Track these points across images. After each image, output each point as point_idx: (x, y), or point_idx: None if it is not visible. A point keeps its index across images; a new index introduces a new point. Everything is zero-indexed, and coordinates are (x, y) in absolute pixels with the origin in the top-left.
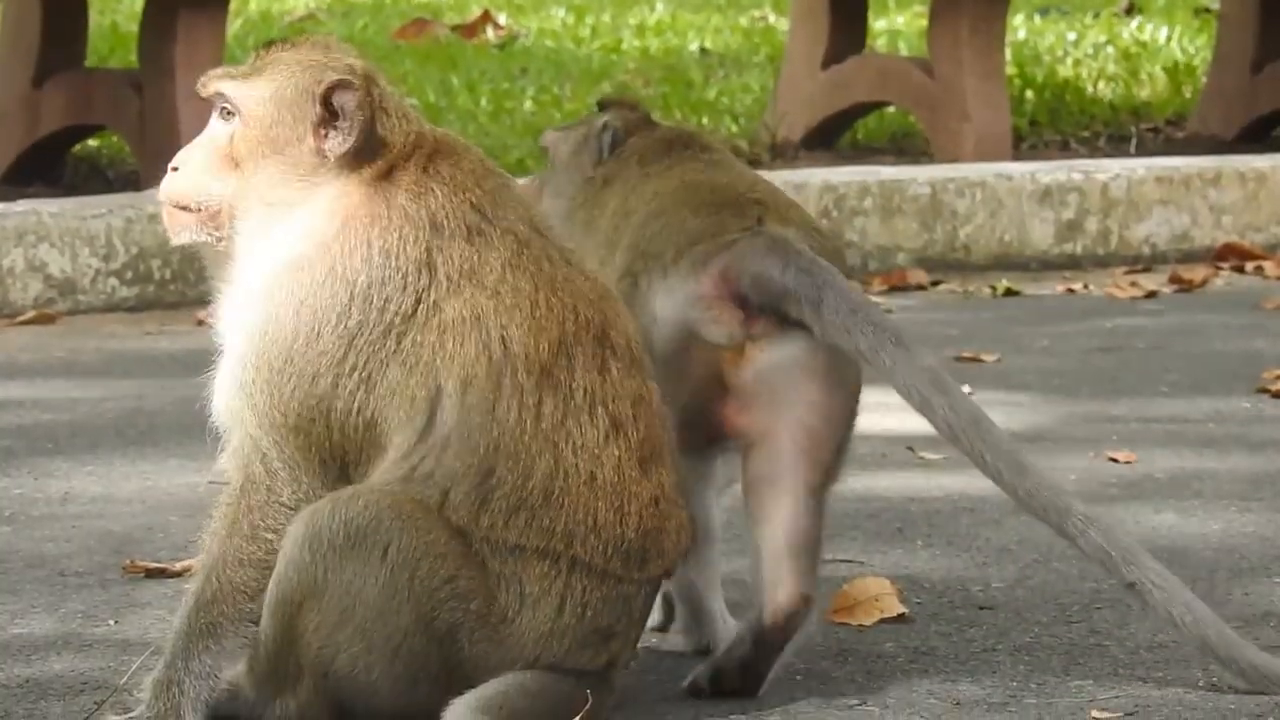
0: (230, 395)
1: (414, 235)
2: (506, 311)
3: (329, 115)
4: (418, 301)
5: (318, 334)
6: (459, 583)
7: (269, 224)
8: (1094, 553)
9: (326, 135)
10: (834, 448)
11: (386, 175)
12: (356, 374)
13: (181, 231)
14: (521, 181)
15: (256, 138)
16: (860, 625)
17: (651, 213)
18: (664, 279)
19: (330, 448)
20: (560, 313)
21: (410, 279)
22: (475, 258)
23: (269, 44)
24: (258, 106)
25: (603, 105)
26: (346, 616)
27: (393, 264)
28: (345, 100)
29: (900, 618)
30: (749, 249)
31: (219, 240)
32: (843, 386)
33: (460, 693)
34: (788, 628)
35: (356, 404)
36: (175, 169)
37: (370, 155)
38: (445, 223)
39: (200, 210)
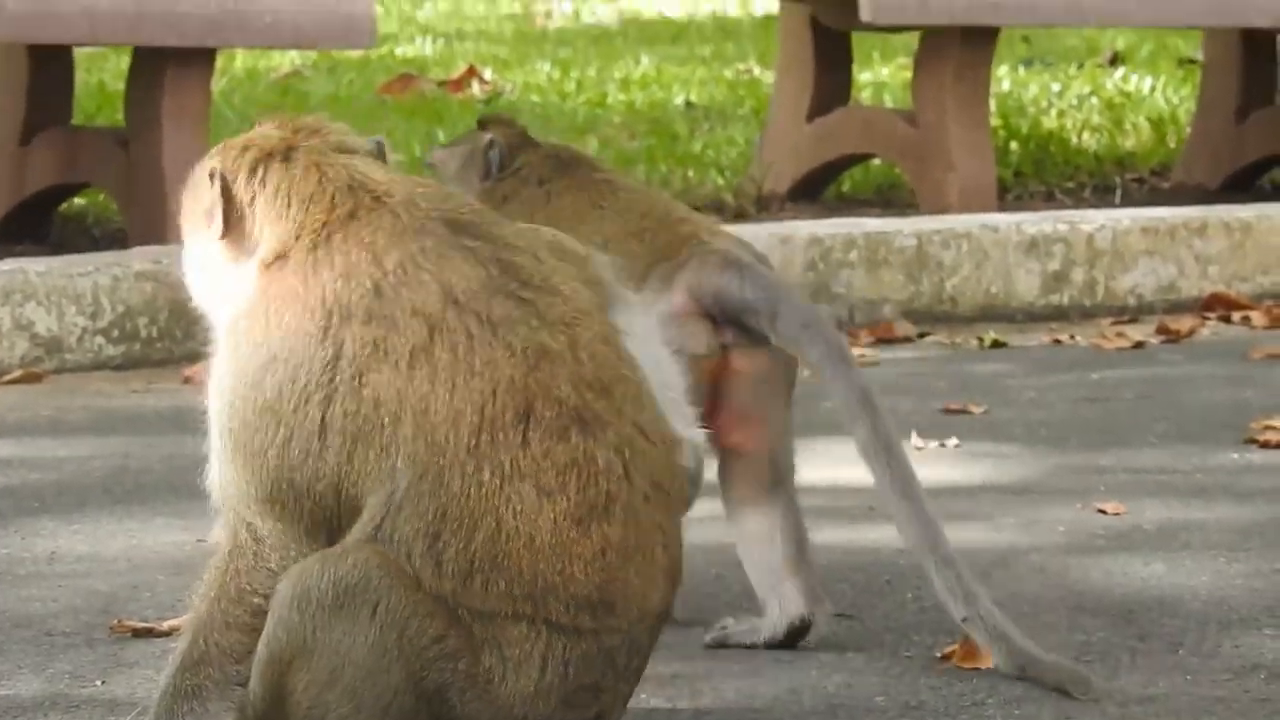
0: (211, 467)
1: (309, 313)
2: (423, 399)
3: (210, 200)
4: (331, 372)
5: (240, 411)
6: (448, 642)
7: (201, 301)
8: (940, 591)
9: (212, 220)
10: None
11: (281, 259)
12: (295, 445)
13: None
14: None
15: (181, 219)
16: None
17: (597, 246)
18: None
19: (310, 515)
20: (479, 400)
21: (314, 351)
22: (380, 338)
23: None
24: (185, 188)
25: (483, 123)
26: (336, 676)
27: (292, 337)
28: (215, 185)
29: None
30: (707, 265)
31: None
32: (792, 388)
33: None
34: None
35: (310, 473)
36: None
37: (260, 237)
38: (335, 306)
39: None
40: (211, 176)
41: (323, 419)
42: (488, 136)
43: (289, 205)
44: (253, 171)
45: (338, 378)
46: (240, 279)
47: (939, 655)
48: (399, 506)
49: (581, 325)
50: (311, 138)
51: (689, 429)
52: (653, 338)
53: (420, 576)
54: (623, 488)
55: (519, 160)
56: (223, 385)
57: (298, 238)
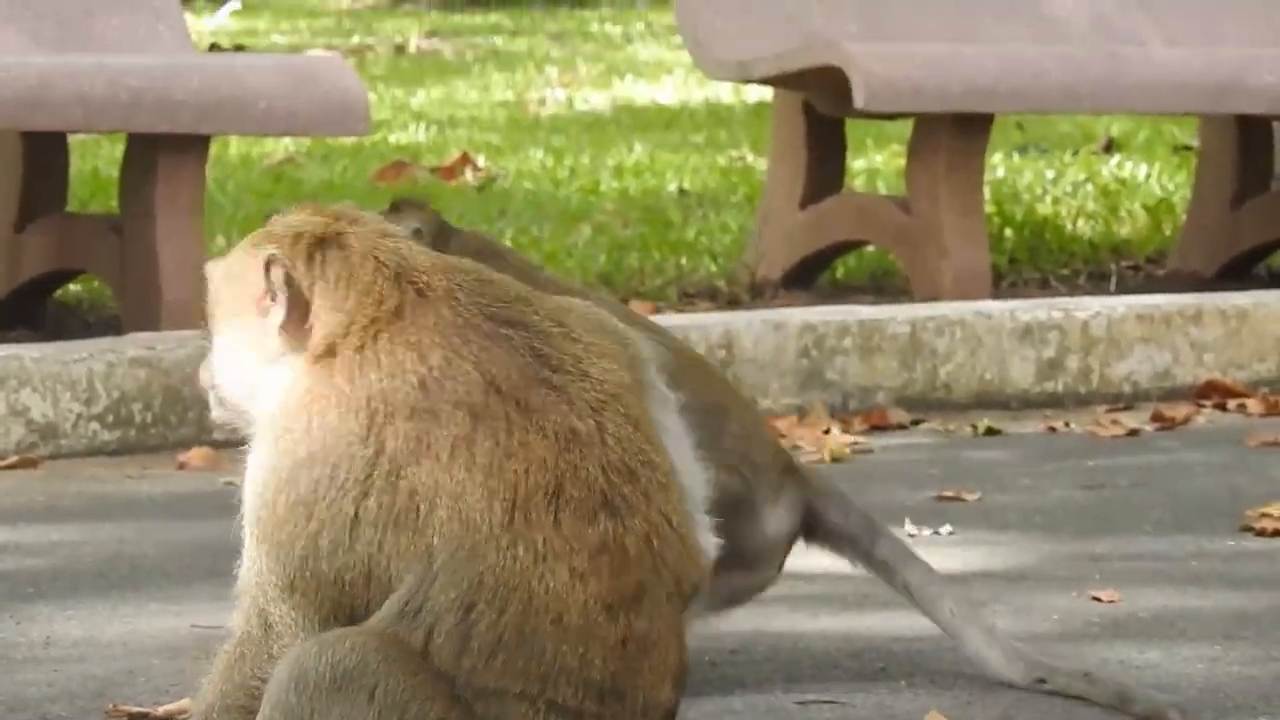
0: (242, 559)
1: (353, 413)
2: (459, 484)
3: (271, 288)
4: (370, 468)
5: (272, 504)
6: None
7: (236, 397)
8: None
9: (269, 309)
10: None
11: (328, 353)
12: (325, 537)
13: (212, 407)
14: None
15: (215, 315)
16: None
17: None
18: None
19: (332, 603)
20: (513, 481)
21: (355, 449)
22: (423, 432)
23: (268, 215)
24: (217, 281)
25: (396, 206)
26: None
27: (332, 436)
28: (275, 274)
29: None
30: (826, 500)
31: (229, 415)
32: None
33: None
34: None
35: (339, 563)
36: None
37: (311, 330)
38: (382, 406)
39: (207, 385)
40: (271, 264)
41: (355, 513)
42: (412, 225)
43: (347, 296)
44: (310, 259)
45: (375, 473)
46: (283, 371)
47: None
48: (434, 578)
49: (609, 409)
50: (355, 224)
51: (706, 538)
52: (684, 441)
53: (439, 654)
54: (651, 581)
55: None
56: (256, 478)
57: (346, 334)
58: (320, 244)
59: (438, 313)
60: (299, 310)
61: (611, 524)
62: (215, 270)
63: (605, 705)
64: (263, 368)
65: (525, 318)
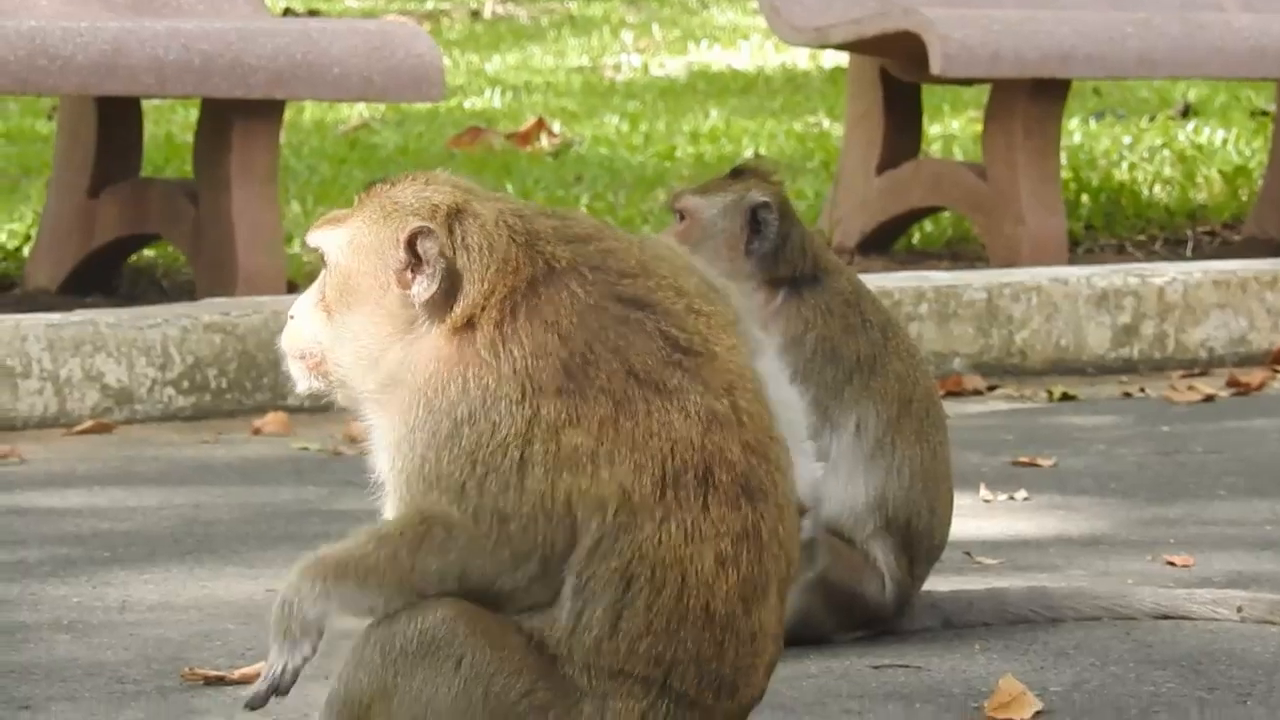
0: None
1: (504, 382)
2: (607, 455)
3: (414, 260)
4: (529, 424)
5: (438, 460)
6: (537, 695)
7: (362, 369)
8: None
9: (412, 281)
10: None
11: (468, 326)
12: (493, 479)
13: (300, 379)
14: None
15: (340, 285)
16: (1020, 719)
17: None
18: None
19: (514, 542)
20: (660, 458)
21: (514, 409)
22: (570, 410)
23: (370, 185)
24: (340, 253)
25: (739, 172)
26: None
27: (490, 397)
28: (427, 246)
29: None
30: None
31: (329, 387)
32: None
33: None
34: None
35: (511, 500)
36: (291, 317)
37: (452, 300)
38: (529, 382)
39: (307, 358)
40: (421, 236)
41: (522, 456)
42: (760, 197)
43: (487, 267)
44: (450, 230)
45: (535, 429)
46: (421, 343)
47: (974, 706)
48: (597, 545)
49: (739, 388)
50: (472, 193)
51: (810, 466)
52: (781, 379)
53: (581, 632)
54: (775, 569)
55: (790, 240)
56: (408, 440)
57: (484, 307)
58: (457, 215)
59: (569, 289)
60: (448, 283)
61: (750, 509)
62: (335, 240)
63: (719, 698)
64: (397, 340)
65: (651, 295)
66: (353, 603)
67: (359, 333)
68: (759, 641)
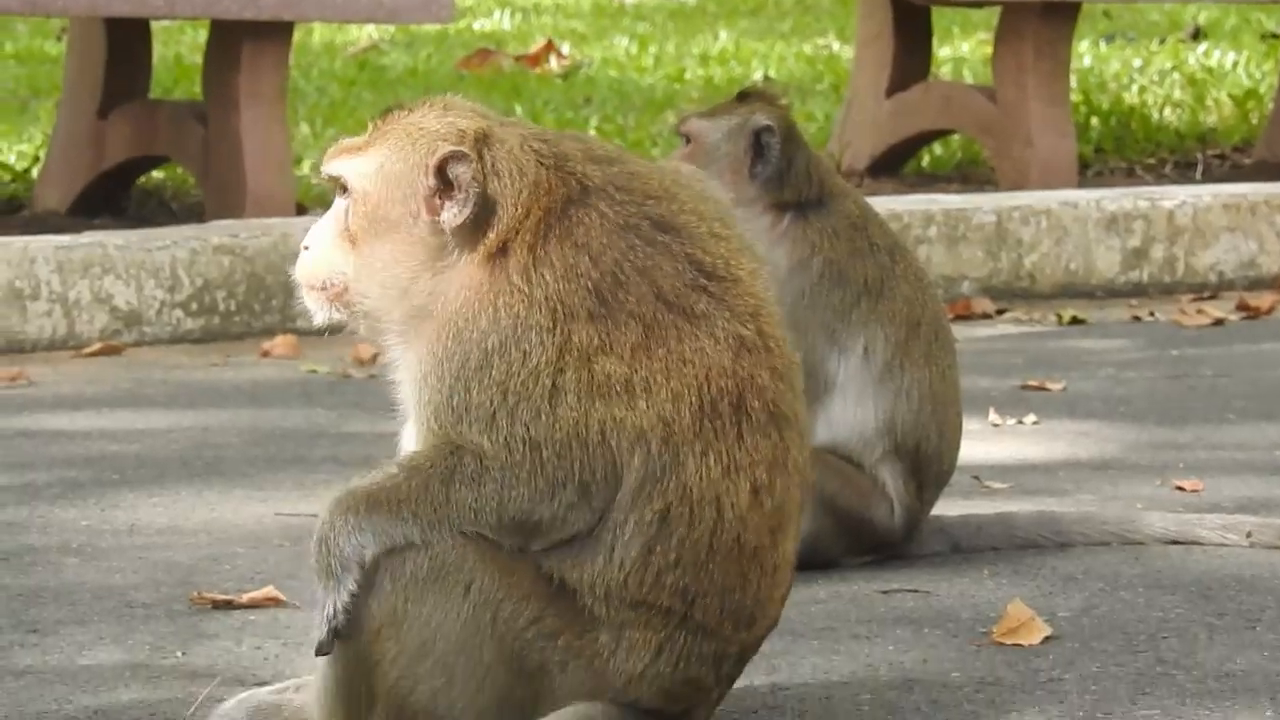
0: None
1: (536, 309)
2: (643, 383)
3: (443, 186)
4: (560, 352)
5: (467, 391)
6: (545, 621)
7: (390, 300)
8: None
9: (441, 207)
10: None
11: (501, 251)
12: (526, 408)
13: (318, 310)
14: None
15: (367, 213)
16: (1029, 644)
17: None
18: None
19: (548, 472)
20: (695, 385)
21: (544, 337)
22: (602, 335)
23: (386, 111)
24: (366, 182)
25: (744, 96)
26: (427, 649)
27: (521, 325)
28: (459, 171)
29: (1046, 640)
30: None
31: (350, 318)
32: None
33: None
34: None
35: (543, 428)
36: (306, 248)
37: (485, 226)
38: (561, 307)
39: (328, 289)
40: (453, 161)
41: (554, 385)
42: (763, 121)
43: (520, 191)
44: (480, 156)
45: (567, 357)
46: (452, 271)
47: (982, 631)
48: (642, 485)
49: (763, 314)
50: (491, 119)
51: None
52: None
53: (597, 570)
54: (795, 498)
55: (794, 164)
56: (436, 371)
57: (518, 230)
58: (484, 140)
59: (600, 210)
60: (481, 208)
61: (779, 437)
62: (359, 168)
63: (738, 630)
64: (425, 270)
65: (676, 219)
66: (387, 536)
67: (388, 262)
68: (780, 572)
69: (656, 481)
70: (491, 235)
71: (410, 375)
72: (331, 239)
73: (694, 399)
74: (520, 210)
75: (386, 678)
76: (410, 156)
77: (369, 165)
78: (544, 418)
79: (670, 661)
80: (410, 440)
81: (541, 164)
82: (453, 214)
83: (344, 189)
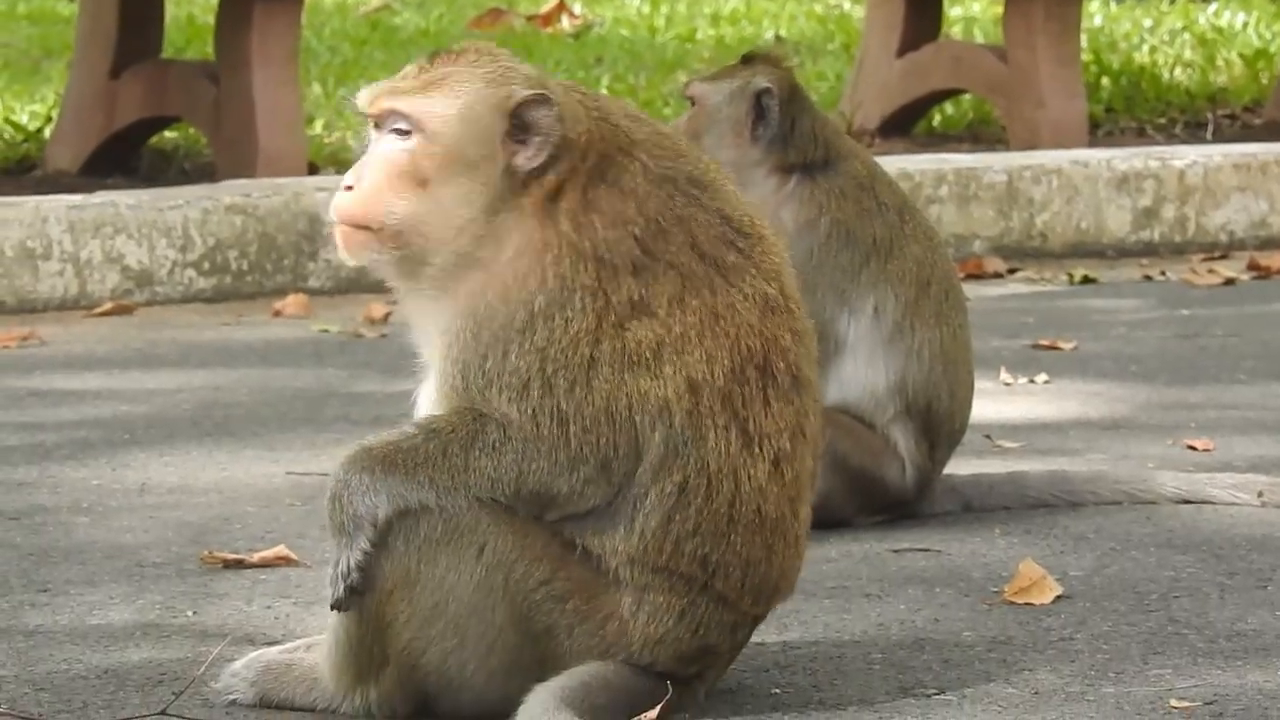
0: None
1: (583, 265)
2: (676, 342)
3: (517, 129)
4: (599, 321)
5: (505, 353)
6: (555, 584)
7: (443, 244)
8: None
9: (516, 151)
10: None
11: (554, 198)
12: (563, 377)
13: (359, 251)
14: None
15: (443, 155)
16: (1040, 604)
17: None
18: None
19: (576, 447)
20: (727, 343)
21: (586, 302)
22: (642, 291)
23: (433, 55)
24: (443, 124)
25: (748, 59)
26: (439, 610)
27: (567, 288)
28: (539, 115)
29: (1058, 599)
30: None
31: (399, 259)
32: None
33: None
34: None
35: (578, 401)
36: (349, 187)
37: (547, 170)
38: (607, 257)
39: (381, 229)
40: (533, 104)
41: (591, 356)
42: (762, 84)
43: (580, 135)
44: (540, 103)
45: (604, 324)
46: (503, 213)
47: (994, 590)
48: (662, 461)
49: (784, 274)
50: (529, 72)
51: None
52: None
53: (619, 540)
54: (810, 467)
55: (798, 125)
56: (474, 332)
57: (571, 176)
58: (544, 89)
59: (642, 161)
60: (553, 152)
61: (800, 402)
62: (433, 109)
63: (758, 602)
64: (488, 210)
65: (706, 175)
66: (401, 497)
67: (457, 203)
68: (801, 542)
69: (676, 456)
70: (550, 179)
71: (441, 327)
72: (389, 180)
73: (726, 359)
74: (579, 155)
75: (399, 639)
76: (489, 98)
77: (441, 106)
78: (578, 390)
79: (690, 627)
80: (428, 397)
81: (590, 114)
82: (527, 157)
83: (403, 130)
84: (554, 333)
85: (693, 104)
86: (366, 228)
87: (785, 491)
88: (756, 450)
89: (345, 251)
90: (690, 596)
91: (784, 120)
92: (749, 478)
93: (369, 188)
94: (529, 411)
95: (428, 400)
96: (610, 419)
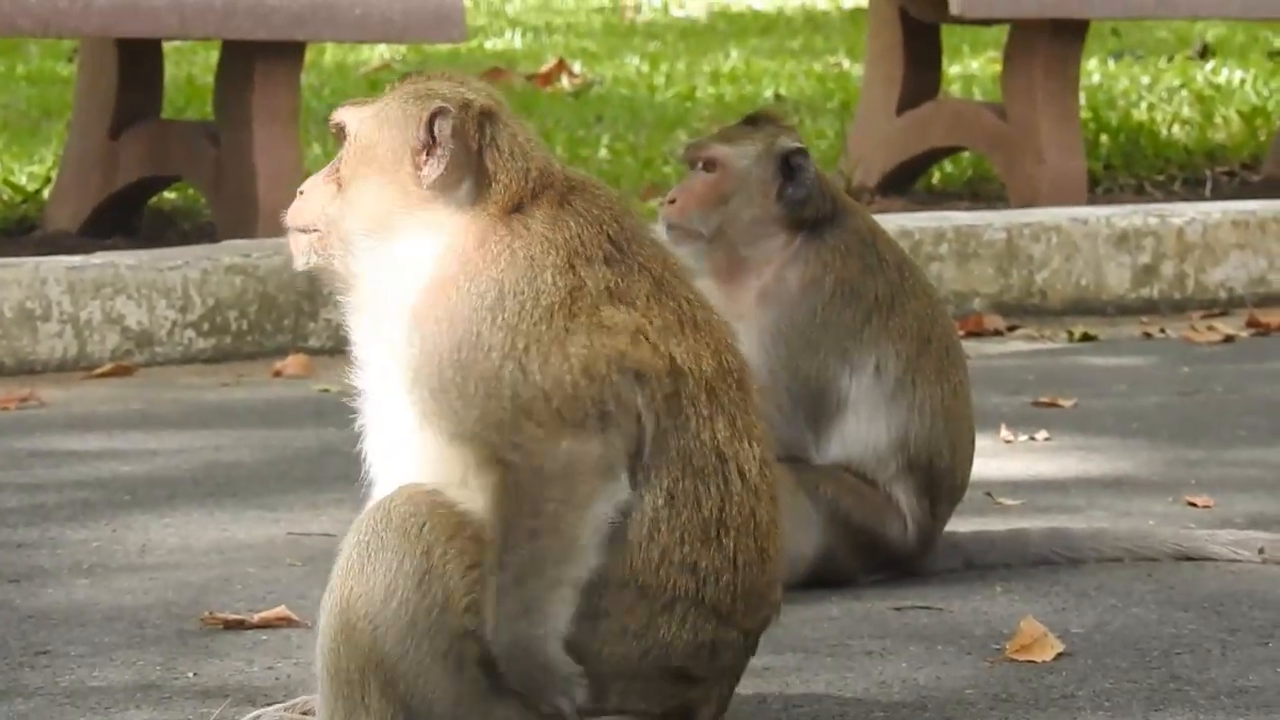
0: (414, 429)
1: (554, 249)
2: (660, 332)
3: (430, 142)
4: (572, 295)
5: (478, 334)
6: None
7: (379, 247)
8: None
9: (425, 161)
10: None
11: (517, 209)
12: (536, 352)
13: (299, 255)
14: None
15: (357, 158)
16: (1042, 661)
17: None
18: None
19: (561, 413)
20: (710, 346)
21: (558, 278)
22: (619, 281)
23: (405, 76)
24: (361, 126)
25: (754, 120)
26: (390, 594)
27: (537, 265)
28: (442, 127)
29: (1059, 656)
30: None
31: (333, 262)
32: None
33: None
34: None
35: (553, 375)
36: (300, 193)
37: (487, 189)
38: (582, 249)
39: (315, 232)
40: (439, 116)
41: (565, 329)
42: (791, 144)
43: (524, 169)
44: (480, 126)
45: (579, 302)
46: (438, 222)
47: (996, 648)
48: (648, 460)
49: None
50: (507, 112)
51: None
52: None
53: (632, 543)
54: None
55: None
56: (446, 315)
57: (535, 197)
58: (488, 115)
59: (607, 193)
60: (458, 169)
61: (761, 423)
62: (359, 115)
63: (748, 613)
64: (406, 215)
65: (642, 232)
66: (548, 600)
67: (371, 207)
68: (782, 553)
69: (663, 444)
70: (504, 198)
71: (382, 334)
72: (322, 183)
73: (712, 361)
74: (531, 183)
75: (364, 640)
76: (408, 109)
77: (368, 112)
78: (552, 362)
79: (662, 642)
80: (376, 414)
81: (544, 154)
82: (430, 168)
83: (342, 136)
84: (524, 307)
85: (706, 167)
86: (305, 230)
87: (773, 490)
88: (745, 444)
89: (294, 256)
90: (675, 609)
91: (812, 179)
92: (741, 475)
93: (308, 192)
94: (505, 396)
95: (377, 417)
96: (591, 378)
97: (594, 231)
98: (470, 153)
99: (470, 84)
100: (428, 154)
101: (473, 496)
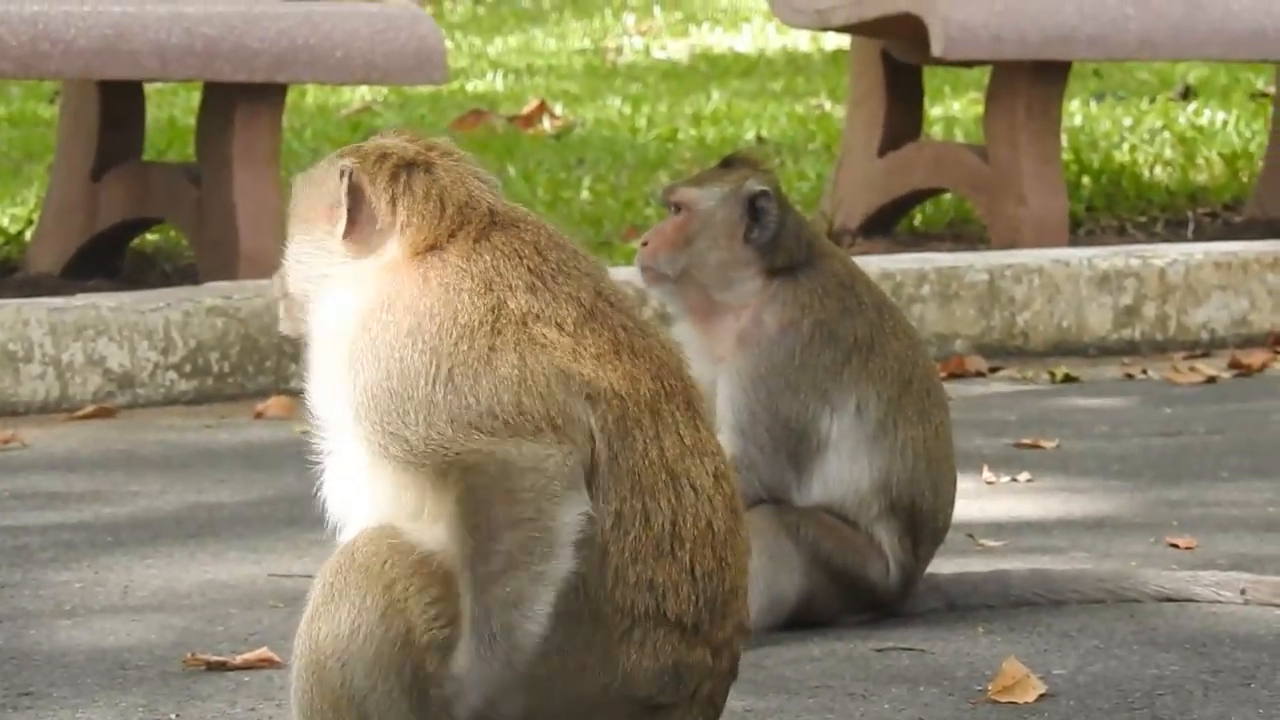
0: (368, 467)
1: (469, 276)
2: (595, 359)
3: (339, 200)
4: (494, 313)
5: (403, 360)
6: (445, 604)
7: (316, 305)
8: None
9: (338, 217)
10: None
11: (432, 248)
12: (463, 373)
13: (280, 321)
14: None
15: (292, 222)
16: (1024, 702)
17: None
18: None
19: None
20: (649, 373)
21: (475, 299)
22: (543, 308)
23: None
24: (296, 187)
25: (729, 162)
26: (355, 630)
27: (452, 289)
28: (345, 185)
29: (1041, 698)
30: None
31: (300, 325)
32: None
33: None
34: None
35: (484, 391)
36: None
37: (402, 235)
38: (499, 279)
39: (285, 297)
40: (342, 175)
41: (490, 347)
42: (757, 186)
43: (442, 209)
44: (394, 178)
45: (501, 318)
46: (359, 274)
47: (978, 689)
48: (600, 483)
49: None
50: (449, 157)
51: None
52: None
53: (590, 570)
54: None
55: (786, 226)
56: (369, 351)
57: (452, 236)
58: (408, 166)
59: (535, 226)
60: (369, 221)
61: (721, 454)
62: (299, 179)
63: (713, 624)
64: (330, 269)
65: (574, 263)
66: (539, 606)
67: (303, 263)
68: (746, 557)
69: (610, 464)
70: (418, 241)
71: (332, 386)
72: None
73: (652, 385)
74: (450, 223)
75: (328, 669)
76: (326, 170)
77: (300, 177)
78: (483, 380)
79: (633, 661)
80: (336, 465)
81: (476, 195)
82: (340, 224)
83: None
84: (442, 328)
85: (676, 209)
86: (281, 297)
87: (730, 502)
88: (696, 460)
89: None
90: (633, 635)
91: (777, 222)
92: (693, 488)
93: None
94: (444, 419)
95: (342, 461)
96: (532, 394)
97: (512, 264)
98: (384, 204)
99: (419, 139)
100: (338, 211)
101: (433, 530)
